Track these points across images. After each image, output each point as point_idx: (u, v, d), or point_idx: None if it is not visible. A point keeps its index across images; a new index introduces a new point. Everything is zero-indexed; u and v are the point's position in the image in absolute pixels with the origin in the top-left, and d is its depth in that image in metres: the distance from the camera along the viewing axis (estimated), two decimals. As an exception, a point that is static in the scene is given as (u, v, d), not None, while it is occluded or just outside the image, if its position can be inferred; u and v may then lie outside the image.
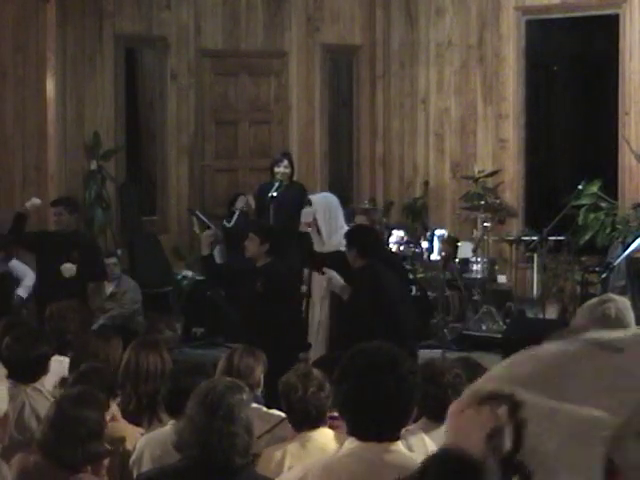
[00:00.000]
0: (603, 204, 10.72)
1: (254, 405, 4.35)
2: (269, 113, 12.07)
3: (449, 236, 10.68)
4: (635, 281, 9.41)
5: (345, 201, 11.18)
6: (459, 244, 10.70)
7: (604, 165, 11.38)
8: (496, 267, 11.00)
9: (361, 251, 7.12)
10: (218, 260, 10.68)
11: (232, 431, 3.29)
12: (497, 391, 1.22)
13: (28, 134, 10.11)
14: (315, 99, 12.19)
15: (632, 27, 10.94)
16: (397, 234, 10.51)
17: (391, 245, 10.29)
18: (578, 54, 12.62)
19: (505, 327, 9.43)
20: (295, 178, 9.91)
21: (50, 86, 10.11)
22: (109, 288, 9.63)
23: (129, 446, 4.42)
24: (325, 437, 4.17)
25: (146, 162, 11.99)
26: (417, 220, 12.04)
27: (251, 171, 11.80)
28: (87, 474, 3.84)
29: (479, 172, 11.44)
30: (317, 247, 7.96)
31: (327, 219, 7.90)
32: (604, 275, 9.32)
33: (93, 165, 10.78)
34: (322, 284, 7.70)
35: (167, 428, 4.23)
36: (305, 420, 4.19)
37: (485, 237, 10.37)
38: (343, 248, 7.69)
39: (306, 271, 8.06)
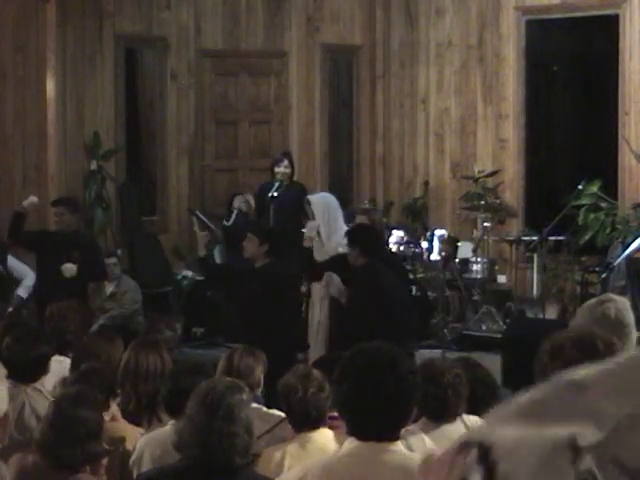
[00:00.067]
0: (603, 204, 10.72)
1: (254, 405, 4.35)
2: (269, 113, 12.07)
3: (449, 236, 10.68)
4: (635, 281, 9.41)
5: (345, 201, 11.19)
6: (459, 244, 10.70)
7: (604, 165, 11.38)
8: (496, 267, 11.00)
9: (363, 250, 7.13)
10: (218, 260, 10.72)
11: (232, 431, 3.29)
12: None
13: (28, 134, 10.11)
14: (315, 99, 12.19)
15: (632, 27, 10.94)
16: (397, 234, 10.50)
17: (391, 245, 10.29)
18: (578, 54, 12.62)
19: (505, 327, 9.43)
20: (295, 178, 9.90)
21: (50, 86, 10.11)
22: (109, 288, 9.63)
23: (129, 446, 4.42)
24: (325, 438, 4.17)
25: (146, 162, 11.99)
26: (417, 220, 12.05)
27: (251, 171, 11.80)
28: (86, 474, 3.84)
29: (479, 172, 11.44)
30: (317, 247, 7.97)
31: (326, 220, 7.91)
32: (604, 275, 9.32)
33: (93, 165, 10.78)
34: (322, 285, 7.71)
35: (167, 428, 4.23)
36: (305, 421, 4.20)
37: (485, 237, 10.37)
38: (342, 249, 7.70)
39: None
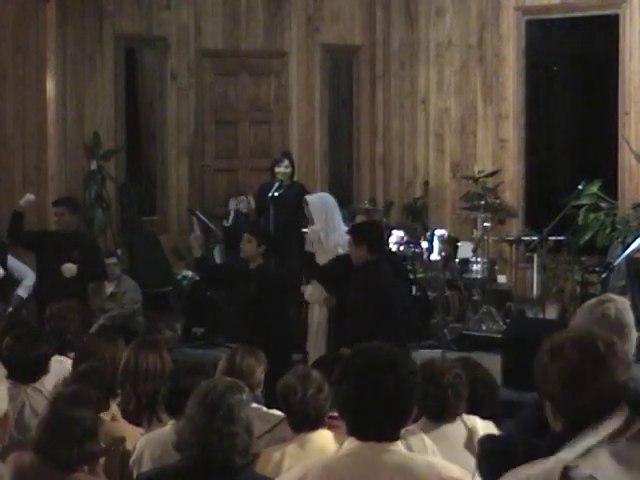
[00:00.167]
0: (603, 204, 10.72)
1: (254, 405, 4.35)
2: (269, 113, 12.07)
3: (449, 236, 10.68)
4: (635, 281, 9.41)
5: (345, 201, 11.20)
6: (459, 244, 10.70)
7: (604, 165, 11.38)
8: (496, 267, 11.00)
9: (372, 247, 7.11)
10: (218, 260, 10.73)
11: (232, 431, 3.29)
12: None
13: (28, 134, 10.11)
14: (315, 99, 12.19)
15: (632, 27, 10.94)
16: (397, 234, 10.50)
17: (391, 245, 10.28)
18: (578, 54, 12.62)
19: (505, 327, 9.42)
20: (295, 178, 9.90)
21: (50, 86, 10.11)
22: (109, 288, 9.63)
23: (129, 446, 4.42)
24: (324, 439, 4.16)
25: (146, 162, 11.99)
26: (417, 220, 12.05)
27: (251, 171, 11.80)
28: (83, 473, 3.84)
29: (479, 172, 11.44)
30: (316, 247, 7.98)
31: (324, 219, 7.92)
32: (604, 275, 9.32)
33: (93, 165, 10.79)
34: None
35: (167, 428, 4.23)
36: (304, 422, 4.19)
37: (485, 237, 10.37)
38: (341, 248, 7.70)
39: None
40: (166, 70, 11.44)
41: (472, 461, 2.82)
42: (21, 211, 8.66)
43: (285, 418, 4.36)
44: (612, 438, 2.32)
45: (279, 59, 12.04)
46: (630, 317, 3.52)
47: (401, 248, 10.41)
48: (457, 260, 10.50)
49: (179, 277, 10.85)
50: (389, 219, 11.86)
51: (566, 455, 2.30)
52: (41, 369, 5.19)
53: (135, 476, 4.11)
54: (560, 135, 12.95)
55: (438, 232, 10.59)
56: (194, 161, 11.67)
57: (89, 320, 7.75)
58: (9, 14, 10.00)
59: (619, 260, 9.23)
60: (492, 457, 2.58)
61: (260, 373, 5.01)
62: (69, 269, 8.61)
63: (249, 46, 11.87)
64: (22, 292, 9.48)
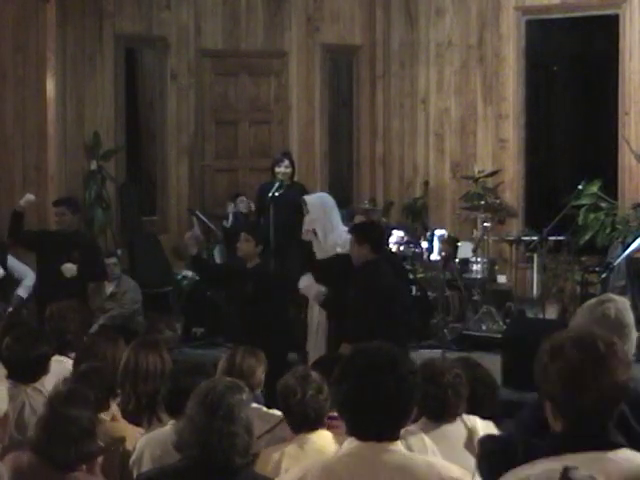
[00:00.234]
0: (603, 204, 10.72)
1: (254, 405, 4.35)
2: (269, 113, 12.07)
3: (449, 236, 10.67)
4: (635, 281, 9.41)
5: (345, 201, 11.20)
6: (459, 244, 10.70)
7: (604, 165, 11.38)
8: (496, 267, 11.00)
9: (374, 246, 7.11)
10: (218, 260, 10.74)
11: (232, 431, 3.29)
12: None
13: (28, 134, 10.11)
14: (315, 99, 12.19)
15: (632, 27, 10.94)
16: (397, 234, 10.49)
17: (391, 245, 10.28)
18: (578, 54, 12.62)
19: (505, 327, 9.42)
20: (295, 178, 9.90)
21: (50, 86, 10.11)
22: (109, 288, 9.63)
23: (129, 446, 4.42)
24: (323, 439, 4.16)
25: (146, 162, 11.99)
26: (417, 220, 12.05)
27: (251, 171, 11.80)
28: (82, 472, 3.84)
29: (479, 172, 11.44)
30: (315, 247, 7.97)
31: (322, 219, 7.91)
32: (604, 275, 9.32)
33: (93, 165, 10.79)
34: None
35: (167, 428, 4.23)
36: (303, 422, 4.19)
37: (485, 237, 10.36)
38: (340, 248, 7.70)
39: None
40: (166, 70, 11.44)
41: (472, 461, 2.82)
42: (21, 211, 8.66)
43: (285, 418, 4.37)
44: None
45: (279, 59, 12.04)
46: (630, 317, 3.52)
47: (401, 248, 10.41)
48: (457, 260, 10.50)
49: (179, 277, 10.85)
50: (389, 219, 11.86)
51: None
52: (41, 369, 5.19)
53: (135, 476, 4.10)
54: (560, 135, 12.95)
55: (438, 232, 10.58)
56: (194, 161, 11.67)
57: (89, 320, 7.75)
58: (9, 14, 10.00)
59: (619, 260, 9.23)
60: (492, 457, 2.58)
61: (260, 373, 5.01)
62: (69, 269, 8.61)
63: (249, 46, 11.87)
64: (22, 292, 9.49)
